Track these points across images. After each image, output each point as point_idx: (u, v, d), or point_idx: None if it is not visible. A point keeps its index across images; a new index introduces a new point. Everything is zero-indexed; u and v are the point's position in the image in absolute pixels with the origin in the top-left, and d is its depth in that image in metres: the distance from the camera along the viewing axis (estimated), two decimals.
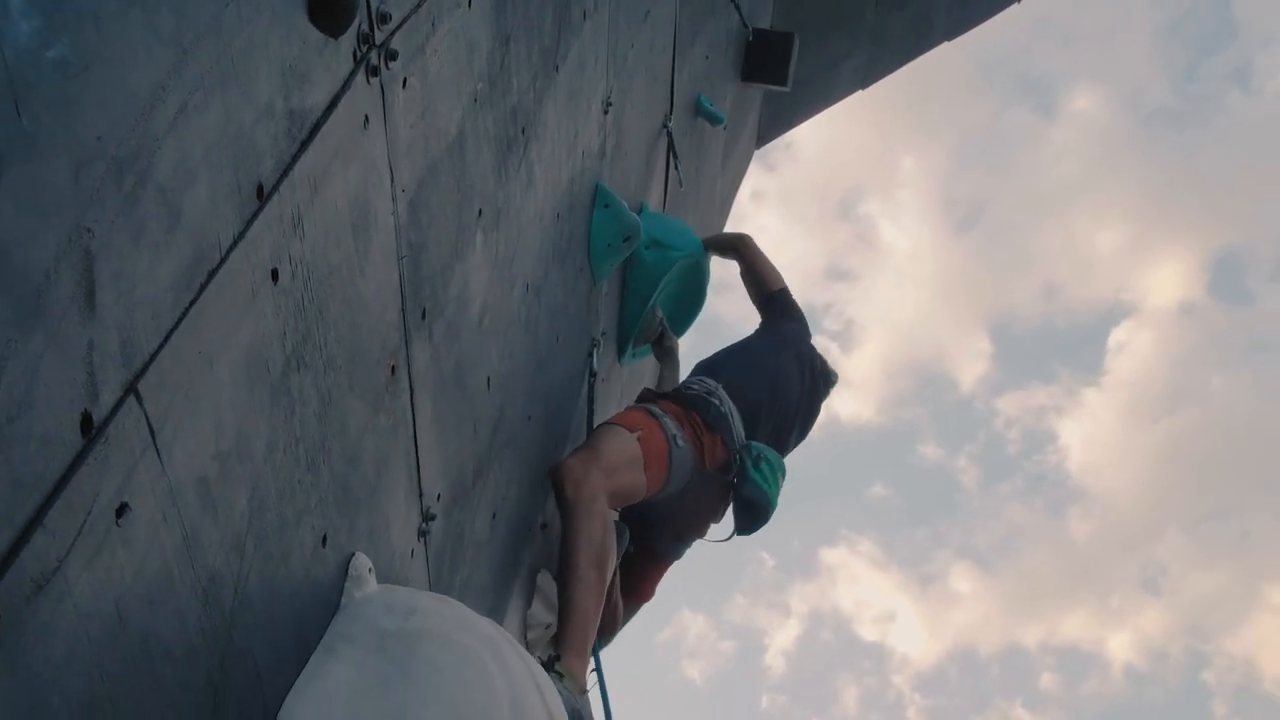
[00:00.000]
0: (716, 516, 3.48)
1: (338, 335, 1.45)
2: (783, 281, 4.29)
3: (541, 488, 3.14)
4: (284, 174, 1.21)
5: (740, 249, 4.39)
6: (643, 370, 4.83)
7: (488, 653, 1.53)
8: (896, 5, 8.24)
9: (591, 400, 3.62)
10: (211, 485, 1.10)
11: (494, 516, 2.57)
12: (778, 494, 3.36)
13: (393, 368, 1.73)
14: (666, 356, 4.40)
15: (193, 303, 1.03)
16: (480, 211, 2.12)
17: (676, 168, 4.74)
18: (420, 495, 1.99)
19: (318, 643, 1.46)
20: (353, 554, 1.60)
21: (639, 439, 3.07)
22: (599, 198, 3.41)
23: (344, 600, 1.55)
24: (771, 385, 3.57)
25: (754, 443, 3.34)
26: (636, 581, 3.52)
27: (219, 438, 1.11)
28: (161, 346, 0.98)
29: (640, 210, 4.08)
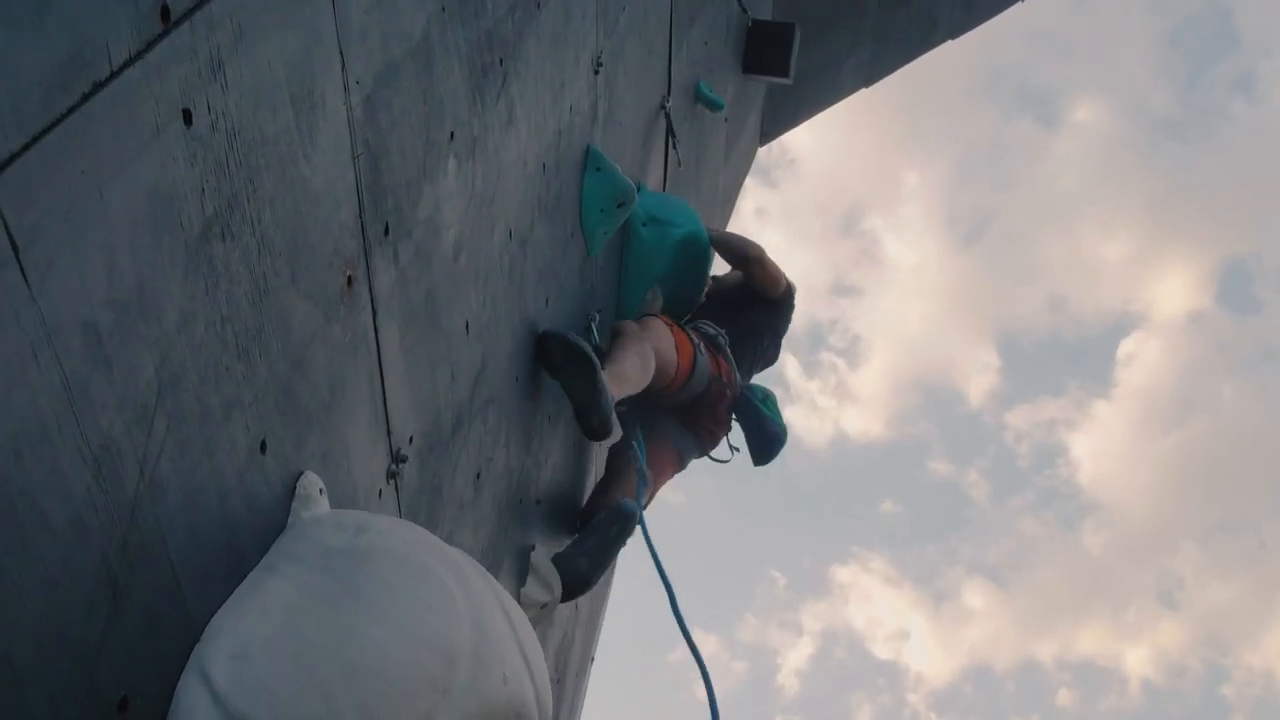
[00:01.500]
0: (723, 427, 3.81)
1: (276, 218, 1.31)
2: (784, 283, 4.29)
3: (534, 458, 2.98)
4: (198, 5, 1.08)
5: (749, 268, 4.27)
6: None
7: (448, 573, 1.37)
8: (900, 2, 8.15)
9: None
10: (103, 336, 0.95)
11: (478, 477, 2.41)
12: (780, 425, 3.89)
13: (349, 277, 1.58)
14: None
15: (72, 110, 0.88)
16: (452, 135, 1.98)
17: (675, 148, 4.61)
18: (389, 433, 1.84)
19: (256, 560, 1.30)
20: (301, 473, 1.44)
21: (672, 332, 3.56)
22: (590, 160, 3.27)
23: (291, 520, 1.40)
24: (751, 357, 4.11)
25: (755, 385, 3.75)
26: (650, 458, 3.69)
27: (113, 283, 0.96)
28: (26, 148, 0.83)
29: (638, 189, 3.94)
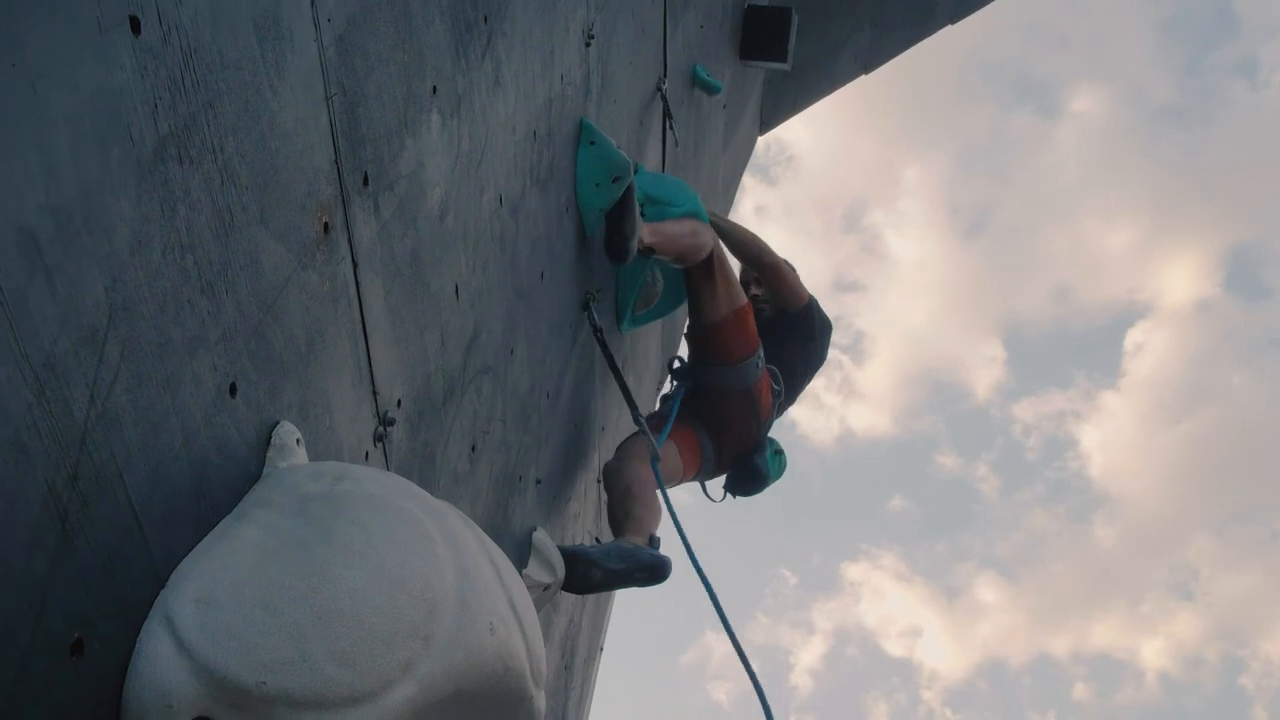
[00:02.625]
0: (741, 444, 3.81)
1: (240, 149, 1.24)
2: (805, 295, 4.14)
3: (533, 436, 2.91)
4: None
5: (766, 275, 4.10)
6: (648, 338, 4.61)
7: (430, 519, 1.30)
8: None
9: (609, 352, 3.42)
10: (42, 245, 0.89)
11: (473, 449, 2.35)
12: (775, 477, 3.96)
13: (325, 224, 1.52)
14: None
15: None
16: (435, 89, 1.92)
17: (672, 128, 4.55)
18: (374, 393, 1.77)
19: (228, 509, 1.24)
20: (277, 422, 1.38)
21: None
22: (584, 134, 3.21)
23: (266, 470, 1.33)
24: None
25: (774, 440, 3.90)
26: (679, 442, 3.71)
27: (51, 188, 0.90)
28: None
29: (636, 170, 3.88)
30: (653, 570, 2.98)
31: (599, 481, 4.05)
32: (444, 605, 1.20)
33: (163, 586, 1.11)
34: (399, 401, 1.89)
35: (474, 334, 2.29)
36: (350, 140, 1.59)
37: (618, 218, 3.20)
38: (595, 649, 4.40)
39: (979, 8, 8.59)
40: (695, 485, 3.99)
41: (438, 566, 1.22)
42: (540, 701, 1.44)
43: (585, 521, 3.92)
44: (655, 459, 3.29)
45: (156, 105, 1.05)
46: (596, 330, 3.37)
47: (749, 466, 3.85)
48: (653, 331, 4.76)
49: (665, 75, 4.57)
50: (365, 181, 1.66)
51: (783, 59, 6.48)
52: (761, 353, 3.75)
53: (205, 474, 1.19)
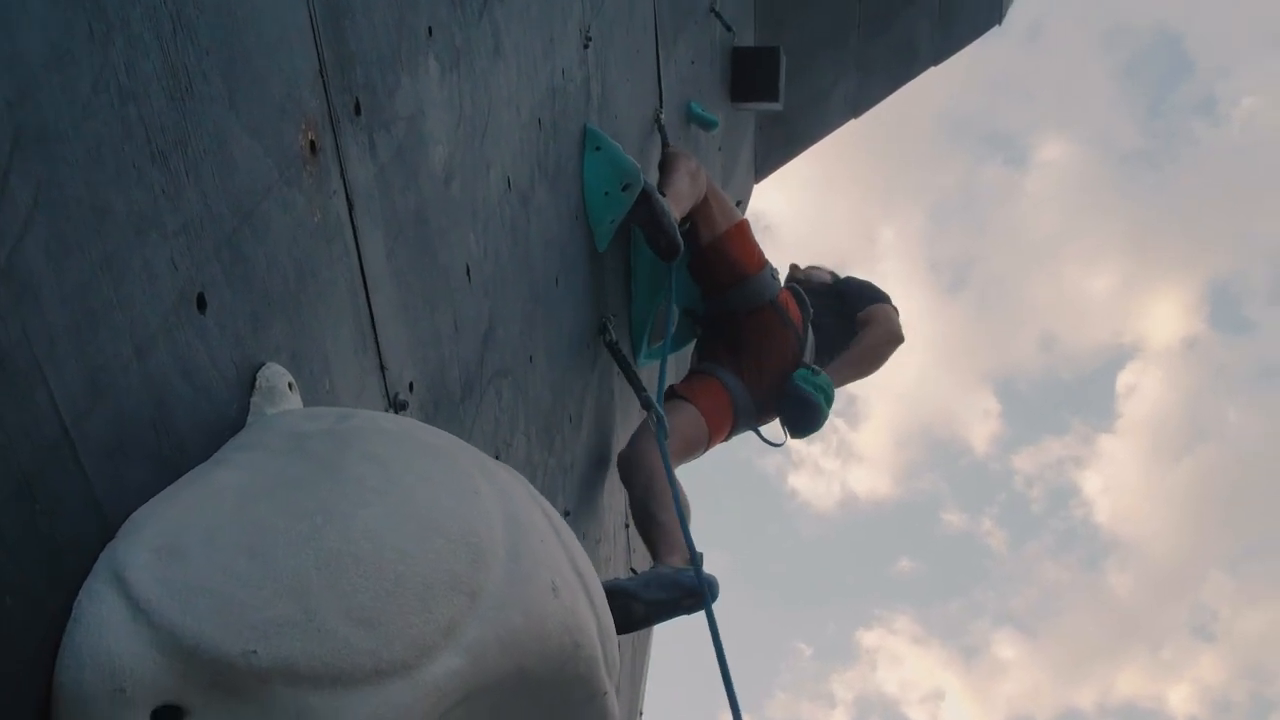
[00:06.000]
0: (780, 345, 3.39)
1: (203, 18, 0.99)
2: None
3: (558, 460, 2.61)
4: None
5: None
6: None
7: (466, 456, 1.01)
8: (880, 30, 8.04)
9: (627, 362, 3.13)
10: None
11: (497, 456, 2.05)
12: (821, 400, 3.36)
13: (312, 141, 1.26)
14: None
15: None
16: (430, 30, 1.69)
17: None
18: (382, 367, 1.49)
19: (195, 451, 0.95)
20: (262, 364, 1.09)
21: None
22: (589, 140, 2.99)
23: (250, 419, 1.05)
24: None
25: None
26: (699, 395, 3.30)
27: None
28: None
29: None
30: (698, 595, 2.63)
31: (627, 527, 3.73)
32: (492, 555, 0.90)
33: (110, 538, 0.81)
34: (410, 385, 1.61)
35: (490, 326, 2.01)
36: (336, 53, 1.34)
37: (649, 216, 2.98)
38: (635, 714, 4.00)
39: (959, 49, 8.57)
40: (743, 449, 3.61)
41: (480, 507, 0.93)
42: (614, 703, 1.12)
43: (616, 566, 3.57)
44: (662, 433, 2.92)
45: None
46: (613, 345, 3.10)
47: (789, 395, 3.35)
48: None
49: (661, 106, 4.41)
50: (357, 110, 1.40)
51: (774, 98, 6.35)
52: (774, 270, 3.46)
53: (166, 401, 0.90)
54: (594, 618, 1.04)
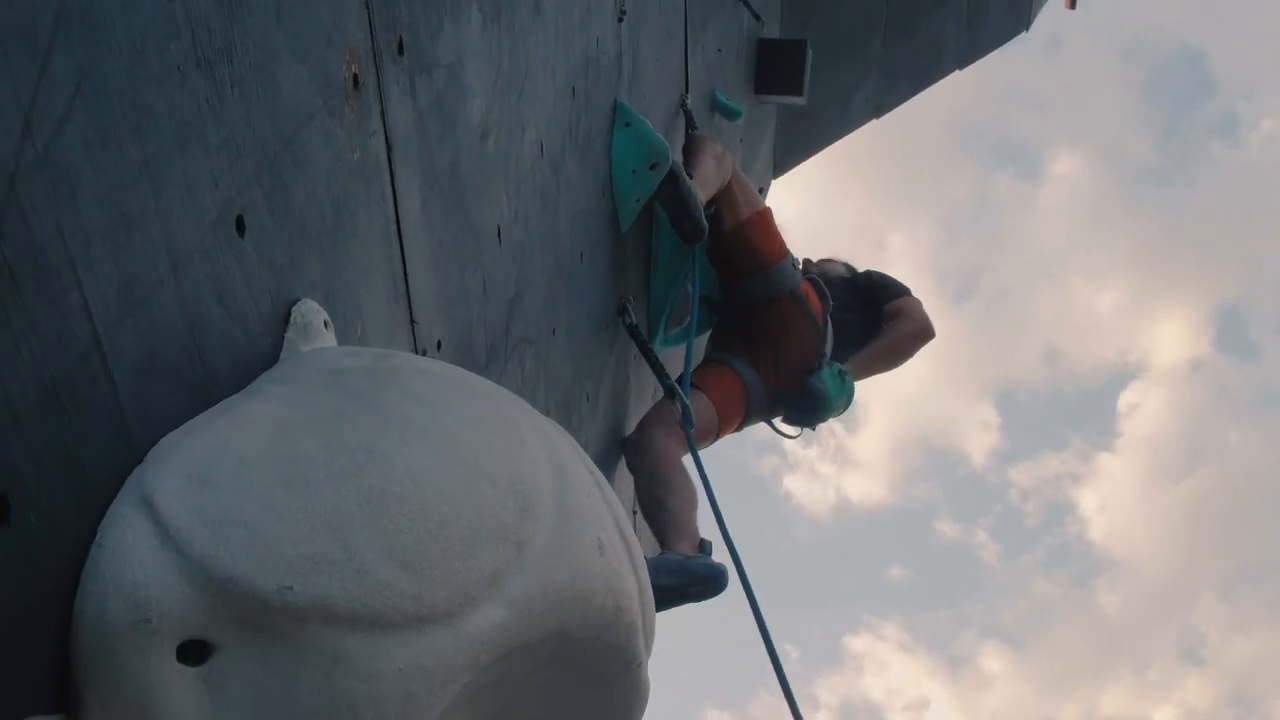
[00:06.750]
0: (798, 337, 3.30)
1: None
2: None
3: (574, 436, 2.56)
4: None
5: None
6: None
7: (512, 404, 0.96)
8: (905, 32, 7.97)
9: (650, 352, 3.07)
10: None
11: None
12: (838, 399, 3.27)
13: (355, 75, 1.20)
14: None
15: None
16: None
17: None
18: (412, 322, 1.44)
19: (227, 381, 0.89)
20: (298, 299, 1.04)
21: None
22: (619, 115, 2.93)
23: (284, 355, 0.99)
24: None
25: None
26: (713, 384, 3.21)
27: None
28: None
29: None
30: (708, 582, 2.56)
31: (634, 513, 3.67)
32: (539, 504, 0.85)
33: (138, 462, 0.75)
34: (439, 343, 1.55)
35: (517, 293, 1.96)
36: None
37: (675, 197, 2.92)
38: None
39: (985, 53, 8.50)
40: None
41: (527, 456, 0.87)
42: (647, 675, 1.07)
43: None
44: (688, 421, 2.85)
45: None
46: (633, 328, 3.04)
47: (802, 387, 3.24)
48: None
49: (687, 92, 4.35)
50: (400, 49, 1.35)
51: (798, 92, 6.28)
52: (795, 259, 3.40)
53: (200, 324, 0.85)
54: (636, 583, 0.99)
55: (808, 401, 3.20)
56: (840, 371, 3.24)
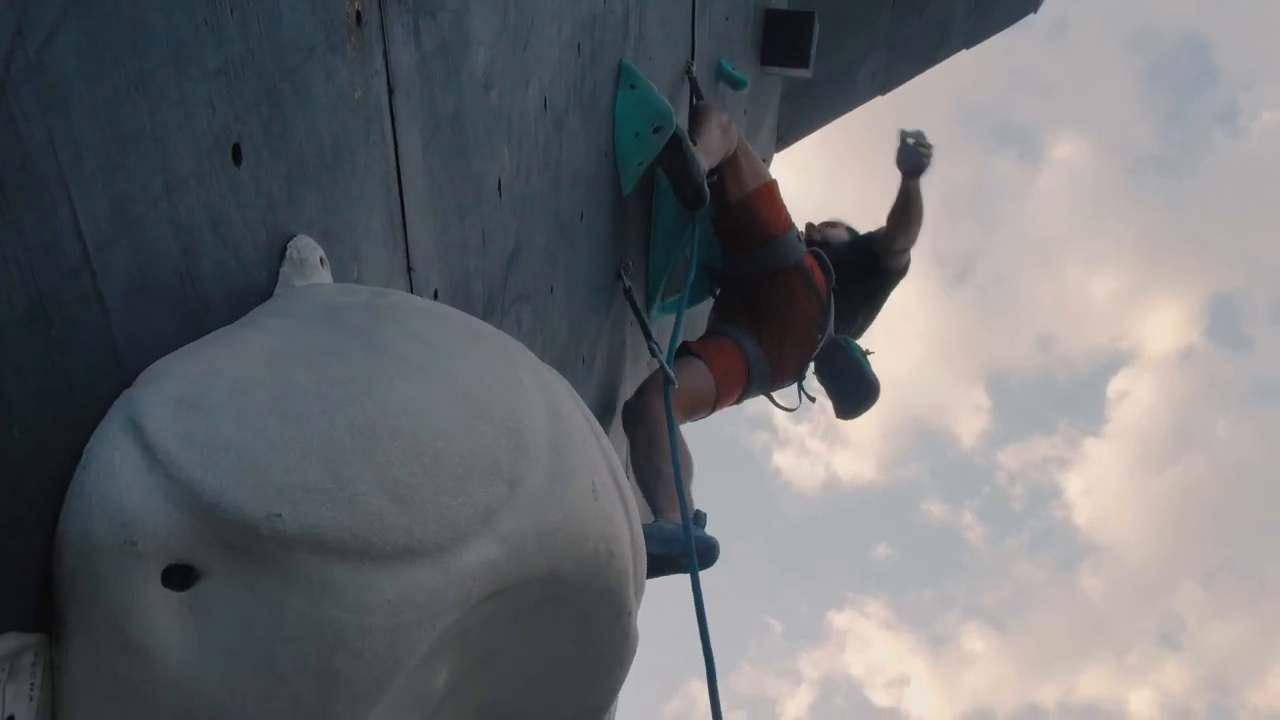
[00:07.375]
0: (802, 309, 3.28)
1: None
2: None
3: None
4: None
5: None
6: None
7: (509, 345, 0.94)
8: (914, 8, 7.90)
9: (642, 316, 3.06)
10: None
11: None
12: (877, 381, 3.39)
13: (358, 12, 1.18)
14: None
15: None
16: None
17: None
18: (410, 270, 1.42)
19: (220, 310, 0.88)
20: (294, 235, 1.02)
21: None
22: (624, 77, 2.90)
23: (279, 288, 0.97)
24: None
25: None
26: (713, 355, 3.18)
27: None
28: None
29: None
30: (700, 554, 2.56)
31: (628, 473, 3.67)
32: (534, 444, 0.84)
33: (127, 385, 0.74)
34: (435, 292, 1.54)
35: (516, 247, 1.94)
36: None
37: (677, 161, 2.91)
38: None
39: (994, 33, 8.43)
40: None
41: (523, 396, 0.86)
42: (637, 625, 1.06)
43: None
44: (668, 381, 2.84)
45: None
46: (629, 292, 3.02)
47: (844, 369, 3.32)
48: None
49: (693, 59, 4.31)
50: None
51: (804, 64, 6.22)
52: (799, 233, 3.38)
53: (193, 250, 0.83)
54: (629, 530, 0.98)
55: (855, 383, 3.32)
56: (866, 352, 3.30)
